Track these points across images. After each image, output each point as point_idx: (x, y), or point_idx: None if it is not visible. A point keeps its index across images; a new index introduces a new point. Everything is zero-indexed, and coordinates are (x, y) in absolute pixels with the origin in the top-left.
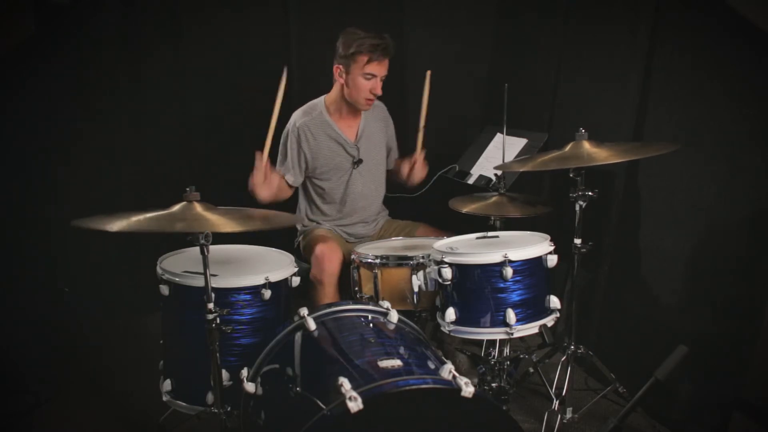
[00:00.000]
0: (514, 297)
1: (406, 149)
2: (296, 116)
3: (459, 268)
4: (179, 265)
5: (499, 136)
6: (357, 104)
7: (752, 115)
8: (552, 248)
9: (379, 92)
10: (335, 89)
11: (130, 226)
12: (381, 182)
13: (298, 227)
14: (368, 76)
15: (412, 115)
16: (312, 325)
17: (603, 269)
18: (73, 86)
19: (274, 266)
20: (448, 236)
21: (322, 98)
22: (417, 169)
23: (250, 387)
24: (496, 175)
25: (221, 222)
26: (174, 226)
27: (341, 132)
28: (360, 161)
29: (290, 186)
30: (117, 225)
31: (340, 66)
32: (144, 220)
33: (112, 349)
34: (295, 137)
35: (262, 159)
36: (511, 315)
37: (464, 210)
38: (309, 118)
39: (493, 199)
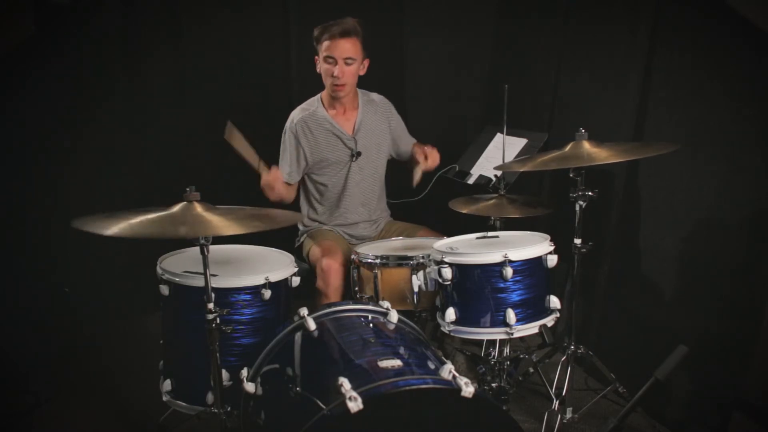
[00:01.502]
0: (514, 297)
1: None
2: (294, 114)
3: (459, 268)
4: (179, 265)
5: (499, 136)
6: (329, 92)
7: (752, 115)
8: (552, 248)
9: (342, 76)
10: None
11: (132, 230)
12: (380, 176)
13: (299, 227)
14: (329, 60)
15: (412, 115)
16: (312, 325)
17: (603, 269)
18: (73, 86)
19: (274, 266)
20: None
21: (318, 95)
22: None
23: (250, 387)
24: (495, 175)
25: (223, 224)
26: (176, 231)
27: (338, 125)
28: (359, 154)
29: (289, 185)
30: (114, 228)
31: (316, 56)
32: (144, 222)
33: (112, 349)
34: (293, 134)
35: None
36: (511, 315)
37: (464, 211)
38: (306, 113)
39: (493, 200)
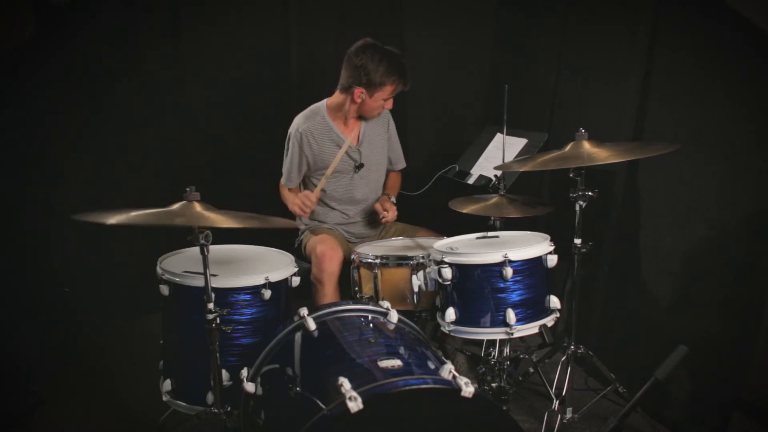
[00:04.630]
0: (514, 297)
1: (404, 148)
2: (298, 121)
3: (459, 268)
4: (179, 265)
5: (499, 136)
6: (369, 117)
7: (752, 115)
8: (552, 248)
9: (391, 106)
10: (340, 98)
11: (128, 219)
12: (380, 185)
13: (300, 226)
14: (387, 98)
15: (412, 115)
16: (312, 325)
17: (603, 269)
18: (73, 87)
19: (274, 266)
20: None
21: (323, 102)
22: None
23: (250, 387)
24: (495, 175)
25: (219, 218)
26: (172, 220)
27: (343, 136)
28: (362, 165)
29: (290, 190)
30: (115, 219)
31: (363, 90)
32: (142, 214)
33: (112, 349)
34: (297, 142)
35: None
36: (511, 315)
37: (464, 211)
38: (312, 122)
39: (493, 200)
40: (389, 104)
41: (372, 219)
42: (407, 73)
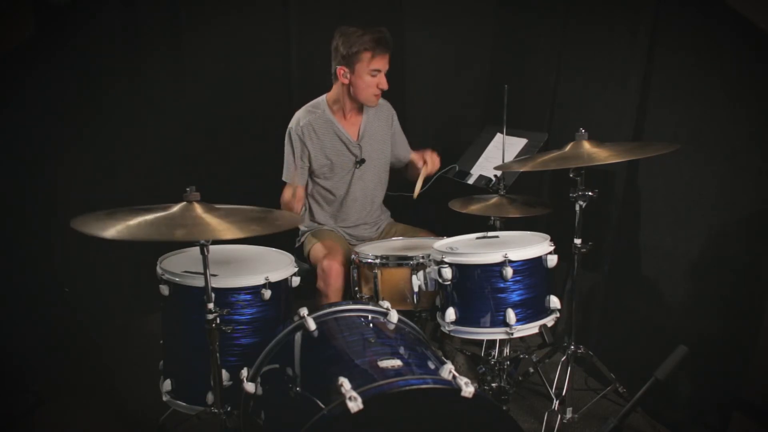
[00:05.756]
0: (514, 297)
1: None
2: (299, 115)
3: (459, 268)
4: (179, 265)
5: (499, 136)
6: (366, 102)
7: (752, 115)
8: (552, 248)
9: (386, 86)
10: (336, 88)
11: (129, 232)
12: (383, 182)
13: (300, 227)
14: (374, 73)
15: (411, 115)
16: (312, 325)
17: (603, 269)
18: (73, 87)
19: (274, 266)
20: None
21: (323, 97)
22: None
23: (250, 387)
24: (495, 175)
25: (222, 228)
26: (173, 234)
27: (344, 130)
28: (362, 161)
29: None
30: (112, 231)
31: (344, 68)
32: (142, 224)
33: (112, 349)
34: (298, 136)
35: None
36: (511, 315)
37: (464, 211)
38: (313, 116)
39: (493, 200)
40: (383, 82)
41: (372, 222)
42: (379, 35)
